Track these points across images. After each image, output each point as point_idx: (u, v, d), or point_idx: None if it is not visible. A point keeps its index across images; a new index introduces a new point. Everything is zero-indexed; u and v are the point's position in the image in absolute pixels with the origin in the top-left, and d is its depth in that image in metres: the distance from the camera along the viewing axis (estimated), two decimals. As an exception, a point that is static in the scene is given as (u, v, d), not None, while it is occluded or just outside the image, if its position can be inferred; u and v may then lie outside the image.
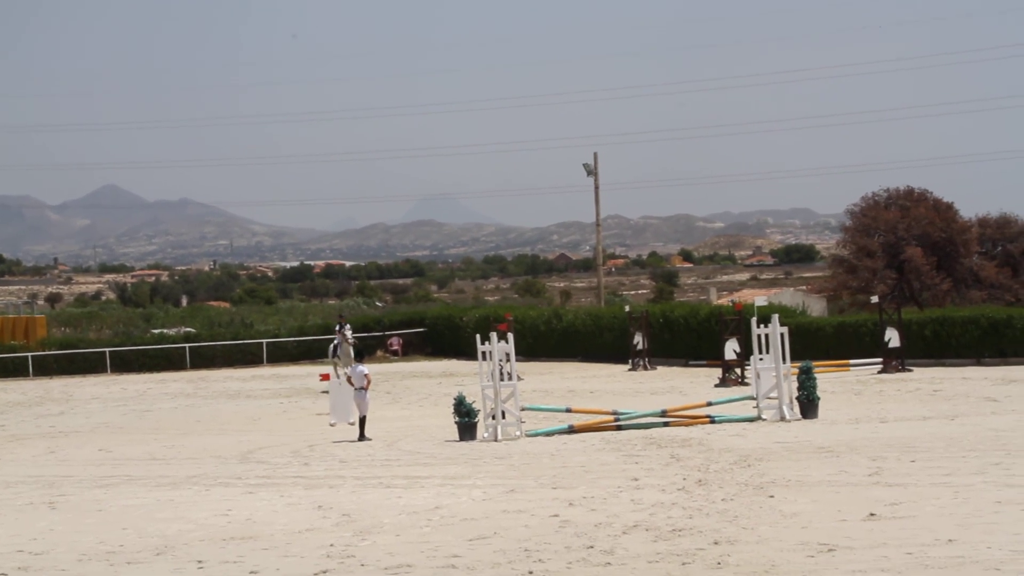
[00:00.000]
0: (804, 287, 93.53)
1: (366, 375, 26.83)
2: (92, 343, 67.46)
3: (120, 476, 22.63)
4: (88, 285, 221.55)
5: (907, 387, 34.45)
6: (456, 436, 25.85)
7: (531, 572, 12.88)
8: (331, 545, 14.84)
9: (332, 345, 42.31)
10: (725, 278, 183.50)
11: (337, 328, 42.69)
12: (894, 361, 40.14)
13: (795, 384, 27.35)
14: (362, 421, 26.77)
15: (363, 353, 29.21)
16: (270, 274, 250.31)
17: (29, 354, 62.64)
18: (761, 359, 27.83)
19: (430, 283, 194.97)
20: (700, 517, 15.50)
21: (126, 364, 62.50)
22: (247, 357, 63.92)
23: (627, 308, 55.21)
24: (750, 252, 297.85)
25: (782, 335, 27.37)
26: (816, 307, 68.97)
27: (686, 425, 26.63)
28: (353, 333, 43.64)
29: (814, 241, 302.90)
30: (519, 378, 28.92)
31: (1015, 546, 13.03)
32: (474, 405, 26.03)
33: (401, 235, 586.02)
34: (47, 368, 62.05)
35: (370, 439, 26.38)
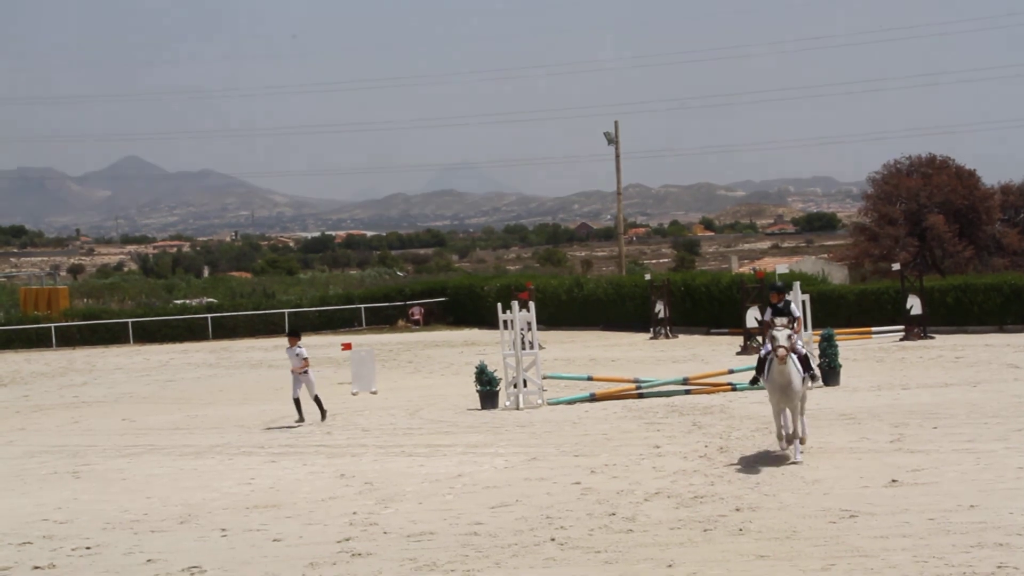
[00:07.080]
0: (826, 255, 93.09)
1: (305, 358, 25.18)
2: (115, 314, 67.92)
3: (144, 445, 22.75)
4: (110, 256, 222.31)
5: (929, 354, 34.35)
6: (478, 405, 25.91)
7: (553, 539, 12.89)
8: (354, 513, 14.90)
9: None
10: (746, 246, 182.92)
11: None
12: (916, 328, 40.02)
13: (817, 351, 27.31)
14: (316, 400, 25.29)
15: (298, 332, 26.46)
16: (291, 244, 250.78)
17: (52, 325, 63.04)
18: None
19: (451, 253, 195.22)
20: (722, 484, 15.50)
21: (149, 334, 62.87)
22: (269, 327, 64.21)
23: (648, 277, 55.20)
24: (771, 220, 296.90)
25: (804, 303, 27.31)
26: (838, 275, 68.78)
27: (708, 393, 26.65)
28: None
29: (836, 209, 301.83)
30: (541, 347, 28.93)
31: (1037, 512, 13.00)
32: (496, 374, 26.06)
33: (422, 205, 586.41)
34: (70, 339, 62.46)
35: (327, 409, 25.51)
